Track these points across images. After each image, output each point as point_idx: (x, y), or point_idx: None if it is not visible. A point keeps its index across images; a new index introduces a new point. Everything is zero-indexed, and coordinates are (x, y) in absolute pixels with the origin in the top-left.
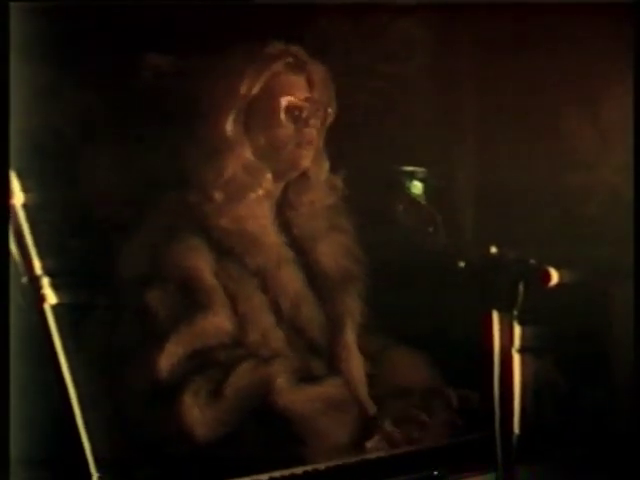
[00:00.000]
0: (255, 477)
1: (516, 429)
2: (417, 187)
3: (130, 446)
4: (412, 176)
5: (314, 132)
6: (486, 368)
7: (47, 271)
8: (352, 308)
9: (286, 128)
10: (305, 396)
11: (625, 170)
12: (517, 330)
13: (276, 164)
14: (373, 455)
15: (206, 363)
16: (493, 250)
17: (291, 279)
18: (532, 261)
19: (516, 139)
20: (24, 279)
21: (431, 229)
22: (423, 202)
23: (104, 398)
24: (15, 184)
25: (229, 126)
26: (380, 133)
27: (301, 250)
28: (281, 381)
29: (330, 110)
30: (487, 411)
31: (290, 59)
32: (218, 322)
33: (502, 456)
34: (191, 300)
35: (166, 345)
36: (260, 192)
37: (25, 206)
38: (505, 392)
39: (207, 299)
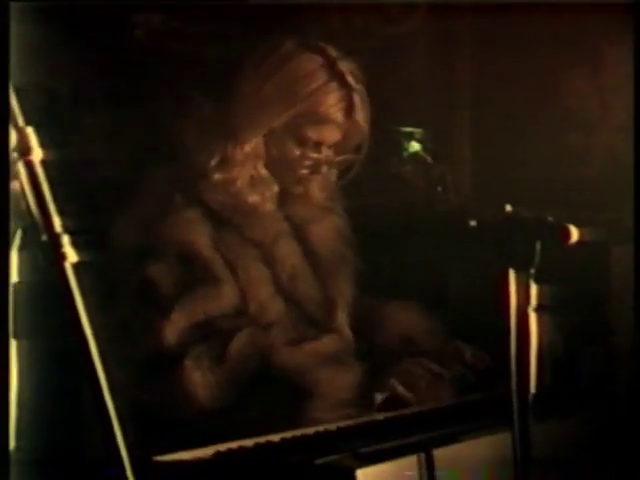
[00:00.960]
0: (267, 437)
1: (532, 388)
2: (415, 147)
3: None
4: (410, 137)
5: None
6: (502, 327)
7: (67, 229)
8: (344, 291)
9: (302, 153)
10: (303, 352)
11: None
12: (534, 289)
13: (283, 180)
14: (385, 415)
15: (209, 332)
16: (508, 208)
17: (289, 252)
18: (550, 219)
19: (514, 101)
20: (43, 237)
21: (440, 188)
22: (431, 160)
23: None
24: (33, 139)
25: (251, 144)
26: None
27: (296, 229)
28: (278, 343)
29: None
30: (501, 370)
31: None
32: (219, 293)
33: (518, 415)
34: (192, 272)
35: (169, 316)
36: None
37: (44, 162)
38: (521, 351)
39: (207, 271)
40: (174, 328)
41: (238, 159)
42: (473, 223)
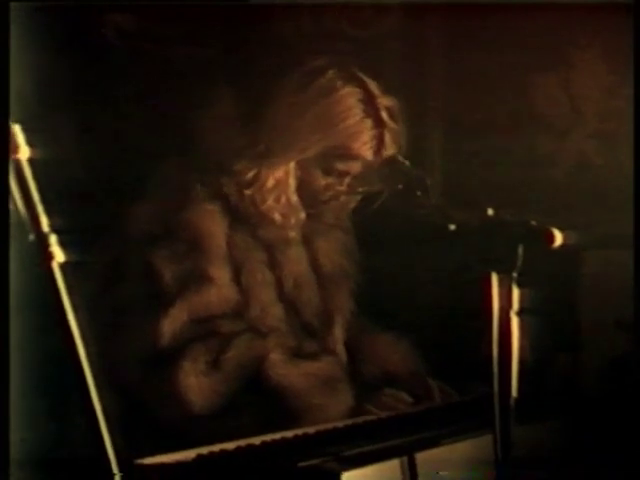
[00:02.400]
0: (248, 440)
1: (514, 392)
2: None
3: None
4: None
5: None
6: (485, 330)
7: (54, 228)
8: (343, 306)
9: (327, 182)
10: (298, 371)
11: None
12: (516, 292)
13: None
14: (365, 418)
15: (207, 331)
16: (490, 212)
17: (297, 260)
18: (533, 222)
19: (485, 103)
20: (31, 236)
21: (419, 192)
22: (410, 164)
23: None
24: (20, 137)
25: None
26: None
27: (305, 238)
28: (274, 356)
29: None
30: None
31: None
32: (224, 292)
33: (500, 418)
34: (199, 265)
35: (170, 309)
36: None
37: (31, 160)
38: (503, 354)
39: (215, 266)
40: (175, 321)
41: (270, 182)
42: (452, 227)
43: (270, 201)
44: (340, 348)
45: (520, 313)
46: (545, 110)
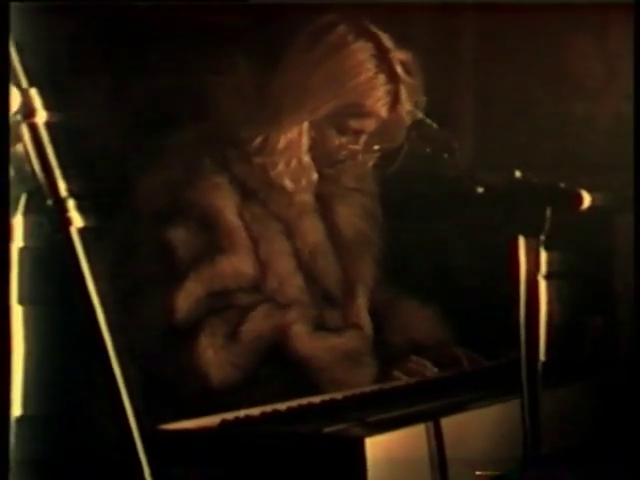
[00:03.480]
0: (274, 406)
1: (542, 356)
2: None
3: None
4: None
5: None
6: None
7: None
8: (365, 273)
9: (341, 142)
10: (323, 344)
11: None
12: (544, 256)
13: (321, 167)
14: (393, 384)
15: (224, 305)
16: (517, 174)
17: (312, 228)
18: (561, 184)
19: (518, 67)
20: (49, 201)
21: (446, 155)
22: (436, 127)
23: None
24: (37, 101)
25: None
26: None
27: (322, 205)
28: (298, 328)
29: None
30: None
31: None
32: (239, 264)
33: (527, 383)
34: (213, 239)
35: (185, 283)
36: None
37: (48, 124)
38: (531, 318)
39: (229, 239)
40: (190, 296)
41: (281, 145)
42: (480, 190)
43: (281, 165)
44: (364, 317)
45: (548, 277)
46: (579, 71)
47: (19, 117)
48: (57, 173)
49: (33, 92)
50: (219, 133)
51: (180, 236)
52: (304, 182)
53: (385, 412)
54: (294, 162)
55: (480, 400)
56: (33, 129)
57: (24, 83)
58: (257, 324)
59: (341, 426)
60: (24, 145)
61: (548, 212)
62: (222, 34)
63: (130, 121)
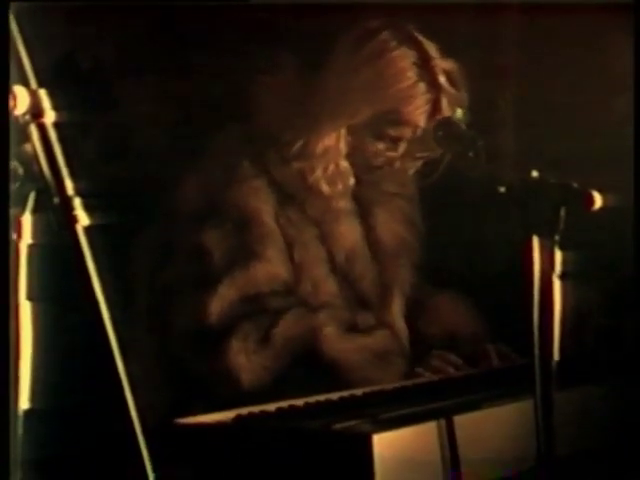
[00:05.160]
0: (290, 402)
1: (555, 355)
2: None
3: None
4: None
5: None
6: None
7: (79, 192)
8: (402, 279)
9: (379, 148)
10: (354, 345)
11: None
12: (558, 255)
13: (359, 173)
14: (414, 381)
15: (257, 309)
16: (534, 174)
17: (349, 233)
18: (575, 185)
19: (562, 62)
20: (55, 200)
21: (471, 154)
22: (464, 126)
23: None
24: (46, 102)
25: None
26: None
27: (361, 209)
28: (329, 330)
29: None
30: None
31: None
32: (273, 269)
33: (541, 382)
34: (248, 243)
35: (219, 287)
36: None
37: (57, 125)
38: (545, 318)
39: (264, 243)
40: (223, 299)
41: (319, 150)
42: (502, 189)
43: (319, 170)
44: (399, 321)
45: (563, 277)
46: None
47: (28, 117)
48: (64, 172)
49: (42, 93)
50: (260, 135)
51: (216, 239)
52: (341, 187)
53: (399, 409)
54: (332, 167)
55: (496, 399)
56: (41, 129)
57: (33, 84)
58: (289, 328)
59: (352, 422)
60: (32, 145)
61: (562, 212)
62: (268, 34)
63: (173, 121)
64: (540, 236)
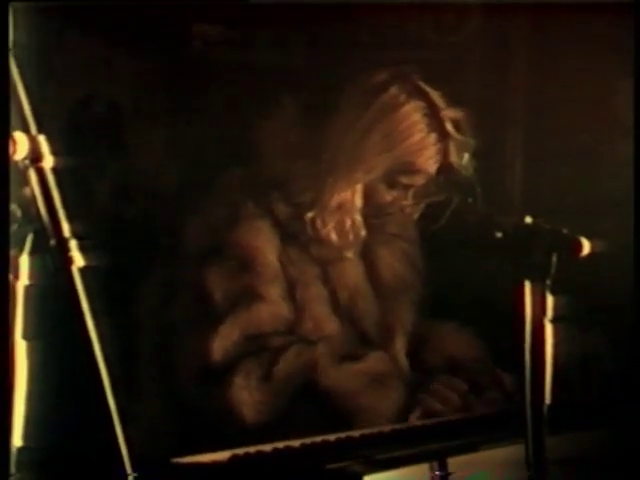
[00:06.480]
0: (287, 442)
1: (547, 399)
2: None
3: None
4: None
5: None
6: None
7: (75, 234)
8: (404, 318)
9: (391, 198)
10: (348, 373)
11: None
12: (550, 300)
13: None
14: (411, 423)
15: (259, 347)
16: (528, 220)
17: (352, 273)
18: (565, 231)
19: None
20: (52, 241)
21: (470, 199)
22: (464, 172)
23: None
24: (44, 147)
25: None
26: None
27: (364, 249)
28: (324, 361)
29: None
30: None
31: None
32: (275, 309)
33: (532, 426)
34: (251, 283)
35: (222, 327)
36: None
37: (54, 169)
38: (536, 362)
39: (267, 283)
40: (226, 339)
41: (333, 204)
42: (499, 235)
43: (332, 224)
44: (402, 359)
45: (554, 321)
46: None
47: (27, 162)
48: (61, 215)
49: (41, 138)
50: (264, 178)
51: (219, 278)
52: (351, 238)
53: (395, 450)
54: (347, 222)
55: (487, 442)
56: (40, 173)
57: (33, 129)
58: (289, 364)
59: (345, 463)
60: (30, 188)
61: (554, 257)
62: (271, 77)
63: (179, 163)
64: (532, 281)
